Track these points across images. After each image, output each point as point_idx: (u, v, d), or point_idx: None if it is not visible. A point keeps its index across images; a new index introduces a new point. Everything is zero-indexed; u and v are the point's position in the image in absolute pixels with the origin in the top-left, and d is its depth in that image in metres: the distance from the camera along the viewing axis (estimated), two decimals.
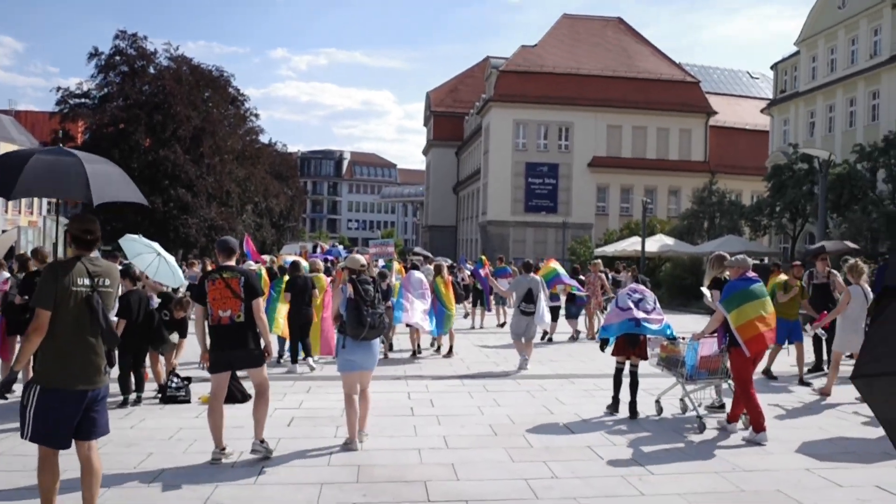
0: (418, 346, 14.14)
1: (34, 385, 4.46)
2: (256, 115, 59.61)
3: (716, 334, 8.03)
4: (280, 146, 67.80)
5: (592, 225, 54.74)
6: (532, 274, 13.20)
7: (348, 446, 7.11)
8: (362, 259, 7.55)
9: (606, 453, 7.21)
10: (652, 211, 55.16)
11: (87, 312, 4.52)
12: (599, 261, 19.08)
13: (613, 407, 8.92)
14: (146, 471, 6.41)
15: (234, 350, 6.54)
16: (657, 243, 35.22)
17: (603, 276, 17.63)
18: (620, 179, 56.10)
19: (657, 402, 8.91)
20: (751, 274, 7.82)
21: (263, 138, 61.08)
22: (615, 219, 55.46)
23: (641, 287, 9.20)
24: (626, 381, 8.91)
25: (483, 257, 20.98)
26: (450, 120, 74.77)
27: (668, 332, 8.63)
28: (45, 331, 4.40)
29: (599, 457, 7.09)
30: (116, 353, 5.35)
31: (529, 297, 12.43)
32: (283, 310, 11.99)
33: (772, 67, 45.95)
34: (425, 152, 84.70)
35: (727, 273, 8.39)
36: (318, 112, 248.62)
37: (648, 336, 8.73)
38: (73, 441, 4.64)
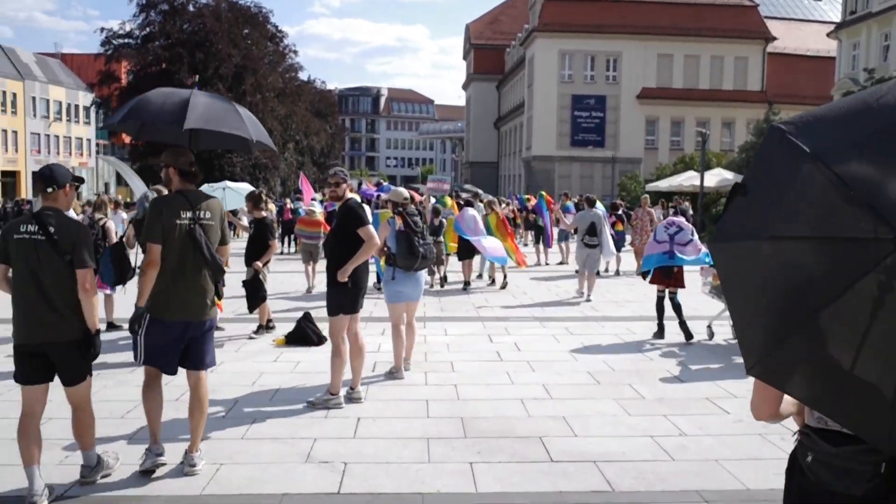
0: (468, 279, 14.71)
1: (145, 314, 4.62)
2: (295, 52, 58.67)
3: None
4: (319, 83, 66.92)
5: (641, 160, 53.26)
6: (594, 209, 13.58)
7: (394, 375, 7.20)
8: (405, 192, 7.59)
9: (730, 406, 6.55)
10: (707, 144, 53.59)
11: (190, 245, 4.60)
12: (647, 196, 18.81)
13: (659, 333, 9.40)
14: (235, 417, 5.99)
15: None
16: (715, 177, 33.84)
17: (652, 211, 17.58)
18: (671, 112, 54.31)
19: (708, 327, 9.40)
20: None
21: (302, 76, 60.29)
22: (665, 153, 53.86)
23: (679, 219, 9.43)
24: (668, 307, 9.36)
25: (544, 193, 20.13)
26: (490, 52, 72.84)
27: (707, 260, 8.93)
28: (159, 264, 4.55)
29: (725, 410, 6.45)
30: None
31: (592, 231, 12.97)
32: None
33: None
34: (465, 87, 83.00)
35: None
36: (352, 49, 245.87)
37: (704, 266, 9.42)
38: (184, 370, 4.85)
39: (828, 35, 46.40)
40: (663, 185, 37.88)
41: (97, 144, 70.90)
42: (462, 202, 15.56)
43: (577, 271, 14.41)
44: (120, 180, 36.61)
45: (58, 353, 4.25)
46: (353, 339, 6.22)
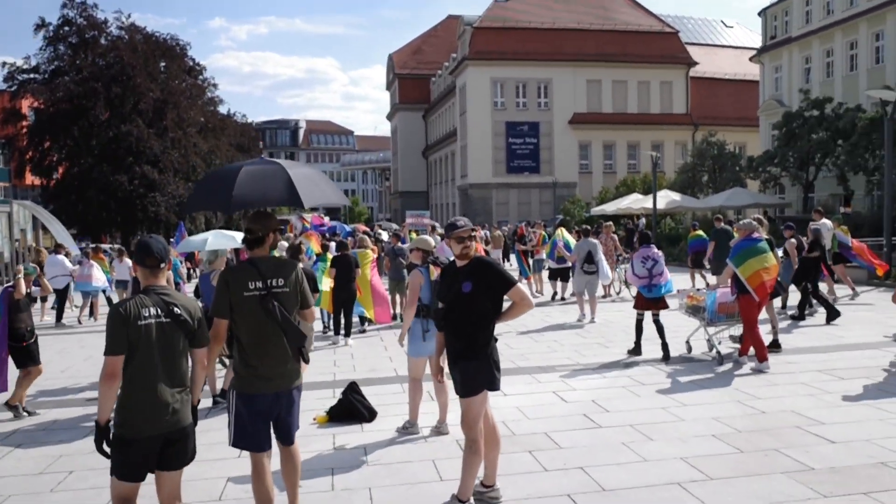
0: None
1: (231, 390, 4.41)
2: (215, 86, 56.42)
3: (730, 285, 9.21)
4: (239, 117, 64.55)
5: (577, 184, 53.25)
6: (590, 238, 14.57)
7: (409, 430, 6.71)
8: (432, 240, 7.18)
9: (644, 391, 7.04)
10: (636, 167, 54.16)
11: (264, 316, 4.28)
12: (611, 223, 19.18)
13: (635, 351, 9.99)
14: None
15: None
16: (664, 199, 33.71)
17: (615, 237, 18.09)
18: (602, 136, 54.62)
19: (687, 342, 10.16)
20: (755, 235, 9.13)
21: (222, 109, 57.94)
22: (599, 176, 54.12)
23: (653, 251, 10.08)
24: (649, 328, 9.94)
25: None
26: (415, 82, 72.15)
27: (668, 288, 9.97)
28: (223, 339, 4.40)
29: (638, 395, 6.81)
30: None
31: (590, 258, 13.93)
32: (327, 283, 12.19)
33: (760, 13, 44.49)
34: (390, 117, 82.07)
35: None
36: (262, 82, 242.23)
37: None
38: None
39: (750, 59, 47.66)
40: (609, 208, 37.65)
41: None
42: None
43: (569, 295, 16.14)
44: (36, 224, 33.57)
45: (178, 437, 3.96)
46: (486, 422, 4.87)
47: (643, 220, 34.28)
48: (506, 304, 4.79)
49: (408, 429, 6.76)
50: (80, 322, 16.26)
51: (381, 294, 13.23)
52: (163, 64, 49.14)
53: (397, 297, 15.26)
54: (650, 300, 9.89)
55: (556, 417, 7.04)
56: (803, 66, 40.11)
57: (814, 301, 12.83)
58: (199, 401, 4.14)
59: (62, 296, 16.17)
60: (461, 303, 4.64)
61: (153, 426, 3.79)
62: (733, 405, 7.22)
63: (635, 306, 10.15)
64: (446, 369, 4.99)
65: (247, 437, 4.37)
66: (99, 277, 16.52)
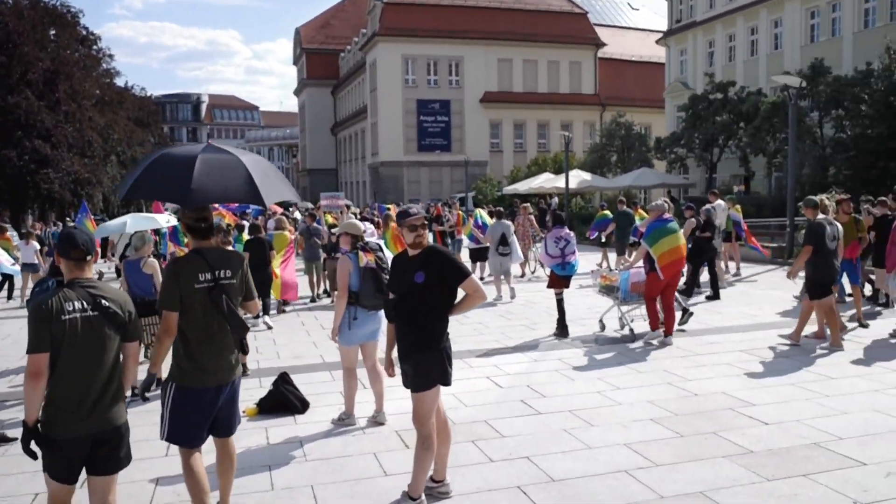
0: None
1: (170, 383, 4.26)
2: (111, 56, 53.64)
3: (642, 265, 9.69)
4: (138, 90, 61.67)
5: (488, 162, 53.60)
6: (503, 220, 14.84)
7: (345, 421, 6.48)
8: (360, 224, 6.97)
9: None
10: (545, 146, 54.90)
11: (212, 308, 4.21)
12: (528, 204, 19.25)
13: (561, 332, 10.16)
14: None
15: None
16: (575, 179, 34.33)
17: (532, 218, 18.09)
18: (513, 115, 55.13)
19: (600, 321, 10.51)
20: (666, 216, 9.58)
21: (119, 82, 55.21)
22: (510, 155, 54.64)
23: (565, 232, 10.29)
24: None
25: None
26: (324, 57, 70.73)
27: (575, 268, 10.27)
28: (175, 332, 4.20)
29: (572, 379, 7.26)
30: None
31: (504, 240, 14.19)
32: None
33: None
34: (297, 92, 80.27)
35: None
36: (159, 54, 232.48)
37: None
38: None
39: (657, 42, 48.93)
40: (521, 187, 38.07)
41: None
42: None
43: (486, 276, 15.85)
44: None
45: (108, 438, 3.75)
46: (438, 416, 4.69)
47: (555, 200, 34.80)
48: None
49: (344, 420, 6.53)
50: None
51: (289, 279, 12.86)
52: (53, 32, 46.30)
53: (314, 278, 15.03)
54: (563, 278, 10.18)
55: (493, 404, 6.95)
56: (707, 50, 41.44)
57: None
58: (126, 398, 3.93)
59: None
60: (414, 294, 4.44)
61: (80, 426, 3.60)
62: (665, 388, 7.32)
63: (550, 286, 10.40)
64: (397, 366, 4.78)
65: (184, 431, 4.23)
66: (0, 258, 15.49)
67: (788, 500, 4.62)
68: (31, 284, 15.08)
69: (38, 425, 3.58)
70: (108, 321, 3.68)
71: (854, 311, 10.40)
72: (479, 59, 53.90)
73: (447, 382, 4.57)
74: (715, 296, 12.99)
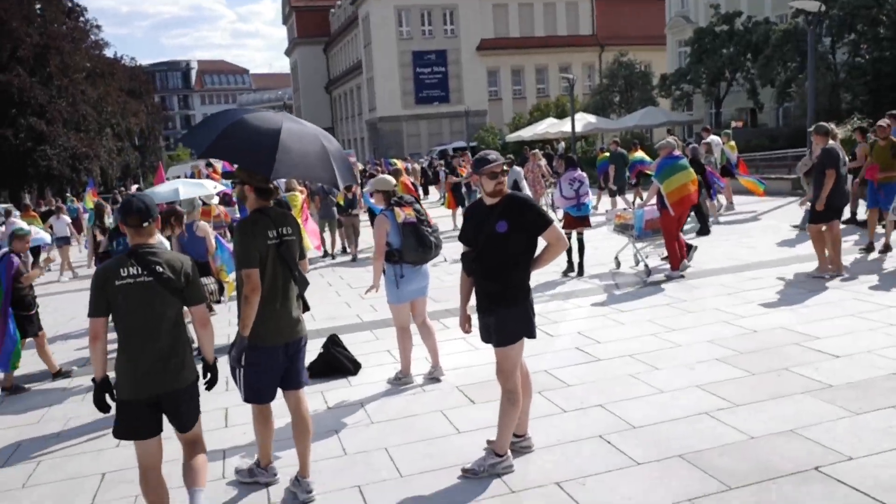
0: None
1: (242, 346, 4.18)
2: (99, 27, 52.67)
3: (655, 203, 9.76)
4: (127, 60, 60.65)
5: (487, 111, 52.91)
6: (514, 167, 15.21)
7: (402, 380, 6.33)
8: (392, 178, 6.72)
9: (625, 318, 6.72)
10: (545, 91, 54.14)
11: (280, 265, 4.26)
12: (537, 151, 19.10)
13: (568, 269, 10.56)
14: None
15: None
16: (580, 122, 33.76)
17: (542, 164, 17.93)
18: (510, 61, 54.22)
19: (615, 258, 10.91)
20: (676, 153, 9.83)
21: (108, 53, 54.24)
22: (509, 103, 53.91)
23: (578, 173, 10.44)
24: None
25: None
26: (314, 14, 69.44)
27: (589, 208, 10.51)
28: (259, 288, 4.14)
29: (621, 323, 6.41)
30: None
31: (515, 187, 14.07)
32: None
33: None
34: (289, 52, 79.02)
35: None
36: (142, 22, 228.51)
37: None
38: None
39: None
40: (525, 134, 37.57)
41: None
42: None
43: None
44: None
45: (174, 399, 3.83)
46: (521, 370, 4.53)
47: (562, 145, 34.34)
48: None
49: (401, 379, 6.38)
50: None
51: (311, 229, 13.17)
52: (38, 6, 45.40)
53: (326, 236, 14.94)
54: (578, 218, 10.35)
55: (549, 353, 6.79)
56: None
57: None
58: (214, 359, 3.99)
59: None
60: (496, 244, 4.23)
61: (142, 389, 3.71)
62: (721, 326, 7.15)
63: (564, 227, 10.39)
64: (473, 319, 4.59)
65: (259, 390, 4.32)
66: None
67: (884, 435, 4.47)
68: (63, 257, 15.87)
69: (109, 383, 3.76)
70: (163, 286, 3.68)
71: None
72: (473, 6, 52.80)
73: (532, 335, 4.39)
74: (704, 231, 13.02)
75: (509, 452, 4.44)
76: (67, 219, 16.38)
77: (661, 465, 4.32)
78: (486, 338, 4.49)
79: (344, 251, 15.26)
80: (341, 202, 14.99)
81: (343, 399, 6.12)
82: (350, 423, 5.52)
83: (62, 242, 16.01)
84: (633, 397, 5.47)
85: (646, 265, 10.16)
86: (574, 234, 10.47)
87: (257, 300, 4.13)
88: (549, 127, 36.24)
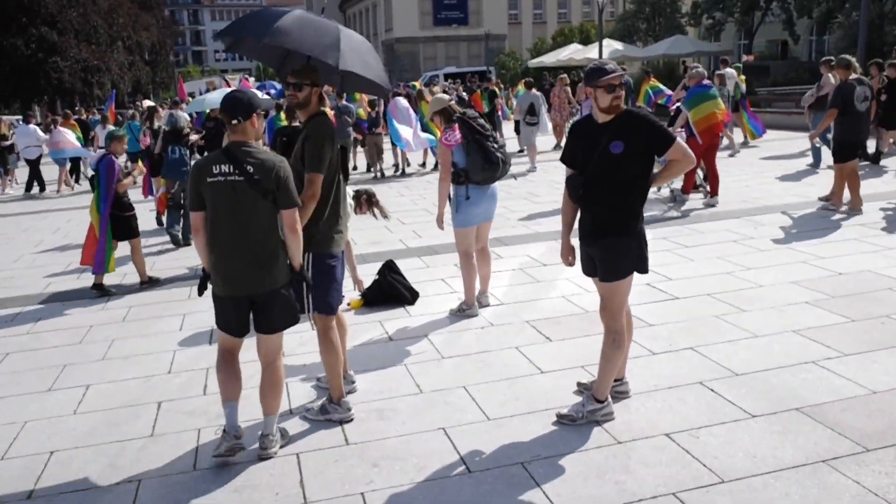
0: (406, 162, 15.69)
1: (307, 254, 4.02)
2: None
3: (683, 129, 9.74)
4: None
5: (506, 36, 51.39)
6: (533, 90, 15.53)
7: (465, 311, 5.96)
8: (446, 96, 6.28)
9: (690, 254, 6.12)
10: (566, 16, 52.48)
11: (340, 171, 4.18)
12: (565, 76, 18.70)
13: None
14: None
15: None
16: (606, 49, 32.64)
17: (568, 89, 17.78)
18: None
19: None
20: (706, 81, 9.93)
21: None
22: (528, 27, 52.35)
23: None
24: None
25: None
26: None
27: None
28: (318, 196, 4.00)
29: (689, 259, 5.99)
30: None
31: (532, 111, 14.93)
32: None
33: None
34: None
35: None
36: None
37: None
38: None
39: None
40: (548, 59, 36.44)
41: None
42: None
43: (520, 151, 16.41)
44: None
45: (263, 301, 3.74)
46: (626, 313, 4.12)
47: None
48: None
49: (464, 311, 6.01)
50: (58, 191, 16.24)
51: None
52: None
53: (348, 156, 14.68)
54: None
55: None
56: None
57: None
58: (301, 266, 3.80)
59: (34, 165, 16.22)
60: (609, 167, 3.74)
61: (230, 287, 3.69)
62: (802, 267, 6.69)
63: None
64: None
65: (333, 298, 4.19)
66: (70, 143, 15.96)
67: None
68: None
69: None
70: (252, 187, 3.56)
71: None
72: None
73: (644, 269, 3.94)
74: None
75: (609, 398, 4.05)
76: (111, 129, 16.29)
77: (778, 418, 3.93)
78: (589, 270, 4.06)
79: (368, 170, 15.61)
80: (363, 116, 14.98)
81: (404, 330, 5.74)
82: (418, 357, 5.15)
83: None
84: (725, 341, 5.06)
85: (671, 191, 10.24)
86: None
87: (313, 207, 3.97)
88: (573, 53, 35.07)
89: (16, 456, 4.09)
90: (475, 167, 5.68)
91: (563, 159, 4.07)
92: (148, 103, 23.02)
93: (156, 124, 11.95)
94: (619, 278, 3.87)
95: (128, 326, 6.35)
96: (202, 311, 6.53)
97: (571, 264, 4.17)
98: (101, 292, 7.34)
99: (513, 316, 5.87)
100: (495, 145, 5.77)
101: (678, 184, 10.14)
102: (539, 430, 3.98)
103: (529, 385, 4.55)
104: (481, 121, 5.88)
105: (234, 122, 3.64)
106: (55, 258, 9.44)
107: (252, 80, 19.31)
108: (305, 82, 4.03)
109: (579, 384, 4.42)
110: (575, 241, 4.08)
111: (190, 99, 21.83)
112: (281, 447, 3.90)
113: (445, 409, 4.30)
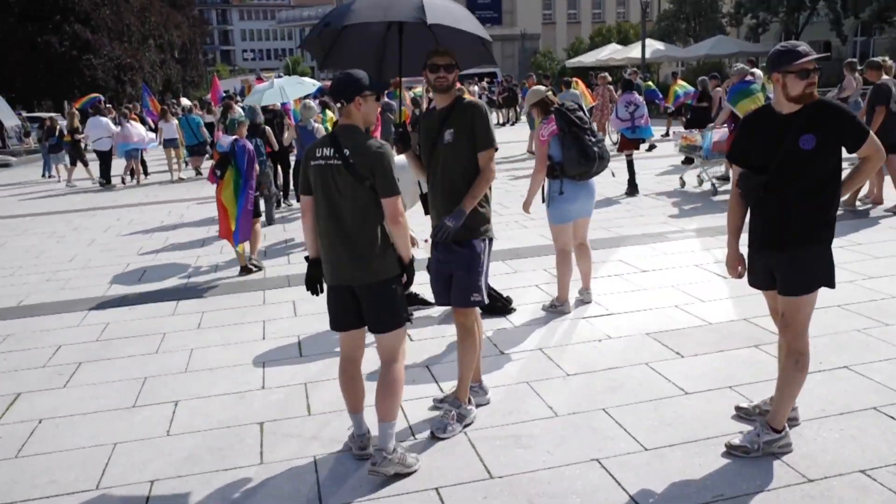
0: None
1: (483, 240, 3.95)
2: None
3: (725, 125, 10.37)
4: None
5: (540, 35, 50.82)
6: (571, 89, 15.69)
7: (558, 308, 5.83)
8: (542, 87, 6.18)
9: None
10: (600, 17, 51.83)
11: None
12: (606, 74, 18.45)
13: (632, 191, 10.93)
14: None
15: None
16: (648, 48, 31.99)
17: (611, 88, 17.75)
18: None
19: (681, 178, 11.63)
20: (748, 77, 10.11)
21: None
22: (563, 27, 51.73)
23: (635, 97, 11.28)
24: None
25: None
26: None
27: (648, 132, 11.64)
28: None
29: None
30: None
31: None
32: None
33: None
34: None
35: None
36: None
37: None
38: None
39: None
40: (587, 59, 35.84)
41: None
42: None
43: None
44: None
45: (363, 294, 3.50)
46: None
47: (629, 71, 32.67)
48: None
49: (557, 308, 5.87)
50: (123, 182, 16.86)
51: None
52: None
53: None
54: (632, 140, 11.21)
55: (731, 298, 5.86)
56: None
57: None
58: (410, 259, 3.53)
59: (106, 157, 16.72)
60: (798, 165, 3.25)
61: (334, 275, 3.53)
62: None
63: (620, 149, 11.55)
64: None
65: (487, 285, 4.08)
66: (138, 135, 16.64)
67: None
68: (173, 158, 17.03)
69: (318, 265, 3.61)
70: (349, 172, 3.38)
71: None
72: None
73: (832, 283, 3.45)
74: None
75: (787, 427, 3.56)
76: (175, 121, 16.87)
77: None
78: (760, 283, 3.58)
79: None
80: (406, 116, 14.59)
81: (512, 341, 5.27)
82: (538, 373, 4.67)
83: (170, 144, 16.98)
84: (882, 359, 4.54)
85: (712, 184, 10.75)
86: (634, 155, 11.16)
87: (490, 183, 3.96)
88: (612, 53, 34.46)
89: (113, 485, 3.66)
90: (571, 161, 5.50)
91: (731, 157, 3.58)
92: (185, 102, 22.99)
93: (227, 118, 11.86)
94: (806, 292, 3.38)
95: (205, 334, 5.93)
96: (281, 317, 6.16)
97: (741, 275, 3.68)
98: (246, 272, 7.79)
99: (629, 328, 5.39)
100: (593, 139, 5.57)
101: (719, 171, 11.10)
102: (709, 462, 3.49)
103: (677, 408, 4.07)
104: (580, 113, 5.64)
105: (338, 105, 3.51)
106: (110, 258, 9.09)
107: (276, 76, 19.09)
108: (454, 63, 3.76)
109: (738, 409, 3.93)
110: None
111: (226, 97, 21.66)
112: (407, 474, 3.51)
113: (592, 435, 3.82)
